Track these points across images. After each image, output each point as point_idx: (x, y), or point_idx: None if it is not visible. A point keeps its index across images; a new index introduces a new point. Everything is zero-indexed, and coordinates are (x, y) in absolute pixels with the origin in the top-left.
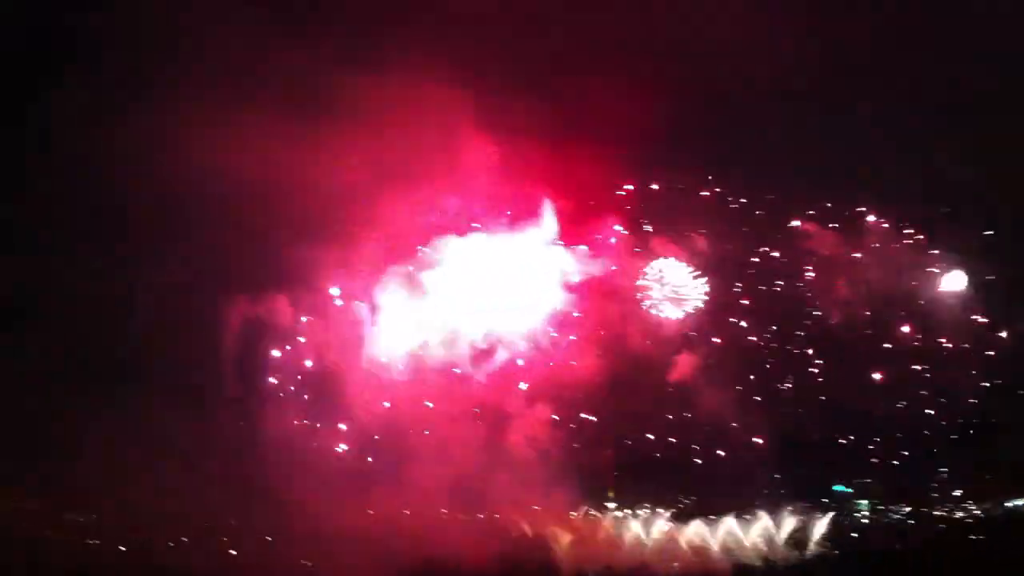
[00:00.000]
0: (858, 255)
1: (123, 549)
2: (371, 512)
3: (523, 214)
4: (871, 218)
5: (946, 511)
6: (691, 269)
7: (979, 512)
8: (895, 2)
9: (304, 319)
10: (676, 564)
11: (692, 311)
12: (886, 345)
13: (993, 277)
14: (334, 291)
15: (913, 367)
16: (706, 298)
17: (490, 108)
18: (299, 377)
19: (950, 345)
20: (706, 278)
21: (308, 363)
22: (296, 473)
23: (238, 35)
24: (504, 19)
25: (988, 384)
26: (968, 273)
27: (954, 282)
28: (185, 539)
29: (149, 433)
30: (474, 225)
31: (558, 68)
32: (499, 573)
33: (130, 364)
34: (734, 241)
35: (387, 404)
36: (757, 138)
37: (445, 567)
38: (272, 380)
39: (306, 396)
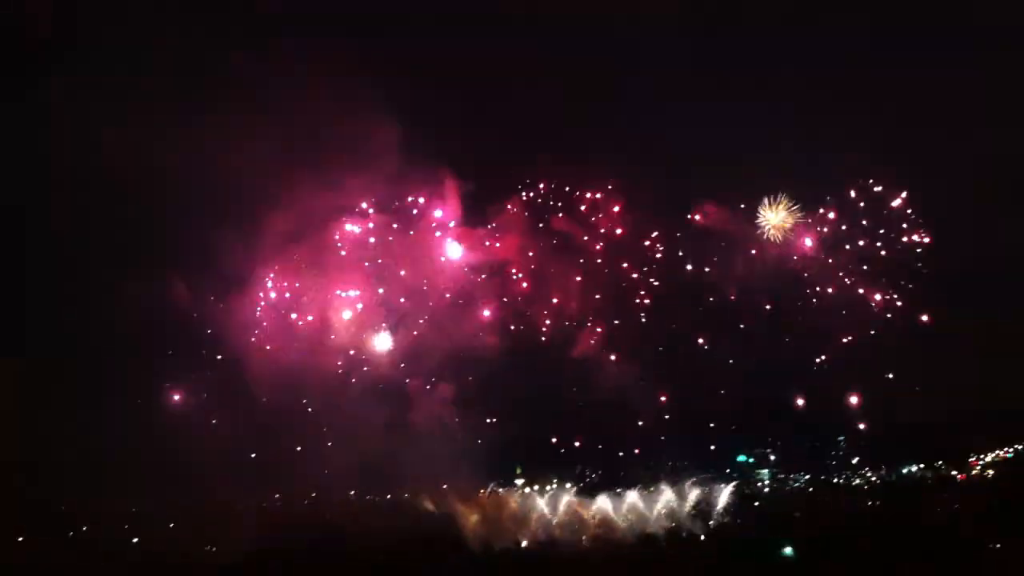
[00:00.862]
0: (755, 244)
1: (20, 540)
2: (277, 495)
3: (426, 198)
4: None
5: (844, 478)
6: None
7: (875, 478)
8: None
9: (208, 302)
10: (584, 538)
11: (598, 294)
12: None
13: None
14: (237, 274)
15: (807, 344)
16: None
17: (395, 96)
18: (204, 360)
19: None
20: (610, 263)
21: (212, 346)
22: (201, 456)
23: (140, 17)
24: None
25: (881, 359)
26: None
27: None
28: (85, 528)
29: (46, 417)
30: (378, 208)
31: (464, 58)
32: (408, 552)
33: (27, 346)
34: (636, 228)
35: (293, 386)
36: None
37: (355, 547)
38: (176, 363)
39: (212, 379)
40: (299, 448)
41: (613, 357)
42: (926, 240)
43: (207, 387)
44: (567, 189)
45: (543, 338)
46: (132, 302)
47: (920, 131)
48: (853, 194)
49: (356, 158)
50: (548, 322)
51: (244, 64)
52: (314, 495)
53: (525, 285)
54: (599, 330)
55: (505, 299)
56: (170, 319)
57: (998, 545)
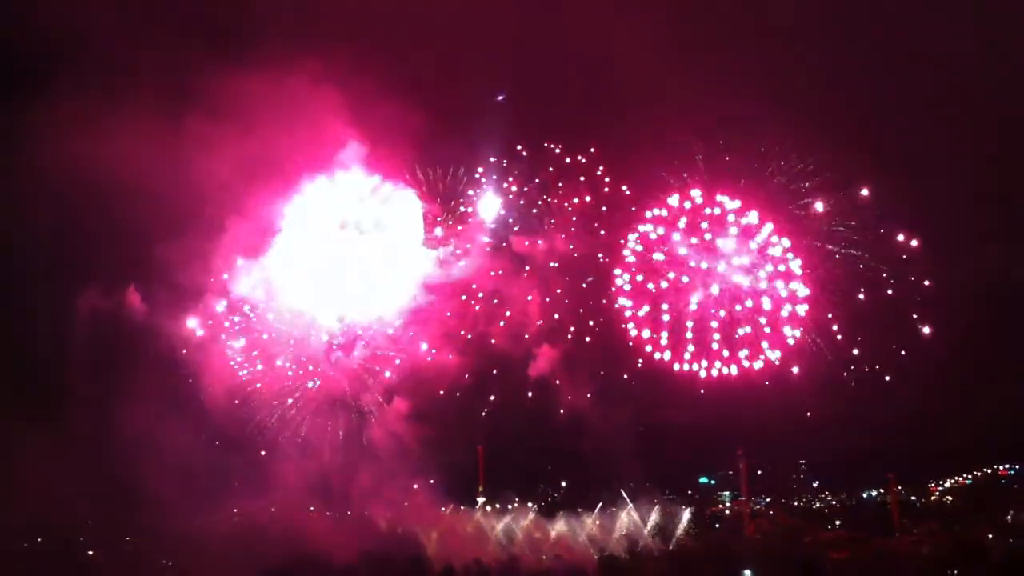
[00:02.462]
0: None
1: None
2: (235, 510)
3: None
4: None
5: (804, 502)
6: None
7: (836, 502)
8: None
9: (160, 315)
10: (544, 557)
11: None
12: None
13: None
14: (191, 286)
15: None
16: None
17: (355, 106)
18: (158, 375)
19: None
20: (567, 279)
21: (166, 360)
22: (156, 472)
23: (102, 30)
24: (370, 20)
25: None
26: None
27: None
28: (40, 540)
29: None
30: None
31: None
32: (368, 570)
33: None
34: (594, 246)
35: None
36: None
37: (313, 565)
38: (129, 378)
39: (166, 394)
40: (257, 464)
41: (575, 376)
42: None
43: (161, 401)
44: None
45: (504, 357)
46: (86, 315)
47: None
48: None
49: (317, 170)
50: (508, 341)
51: (205, 76)
52: (273, 510)
53: (485, 303)
54: (559, 350)
55: (467, 317)
56: (124, 332)
57: (956, 572)
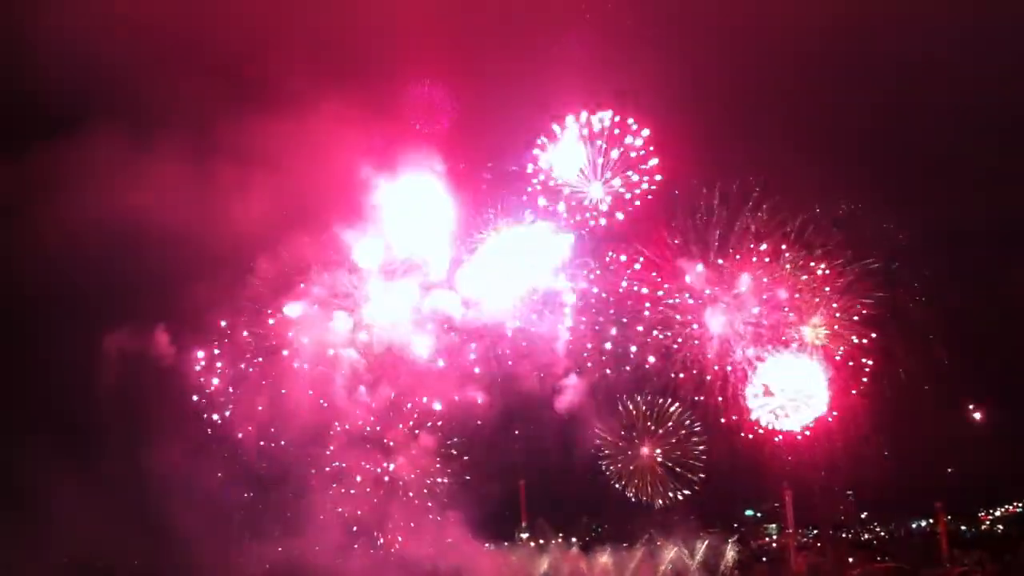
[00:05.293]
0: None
1: None
2: (280, 549)
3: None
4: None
5: (852, 533)
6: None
7: (884, 533)
8: None
9: (188, 356)
10: None
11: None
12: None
13: None
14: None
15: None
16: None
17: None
18: (190, 415)
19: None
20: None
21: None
22: (196, 512)
23: (136, 74)
24: (403, 59)
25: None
26: None
27: None
28: None
29: (44, 473)
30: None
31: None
32: None
33: (15, 402)
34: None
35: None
36: None
37: None
38: (163, 419)
39: (201, 434)
40: (296, 501)
41: (615, 409)
42: None
43: (198, 441)
44: None
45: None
46: (113, 358)
47: None
48: None
49: (341, 210)
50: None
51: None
52: (316, 548)
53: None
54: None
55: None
56: (151, 375)
57: None
